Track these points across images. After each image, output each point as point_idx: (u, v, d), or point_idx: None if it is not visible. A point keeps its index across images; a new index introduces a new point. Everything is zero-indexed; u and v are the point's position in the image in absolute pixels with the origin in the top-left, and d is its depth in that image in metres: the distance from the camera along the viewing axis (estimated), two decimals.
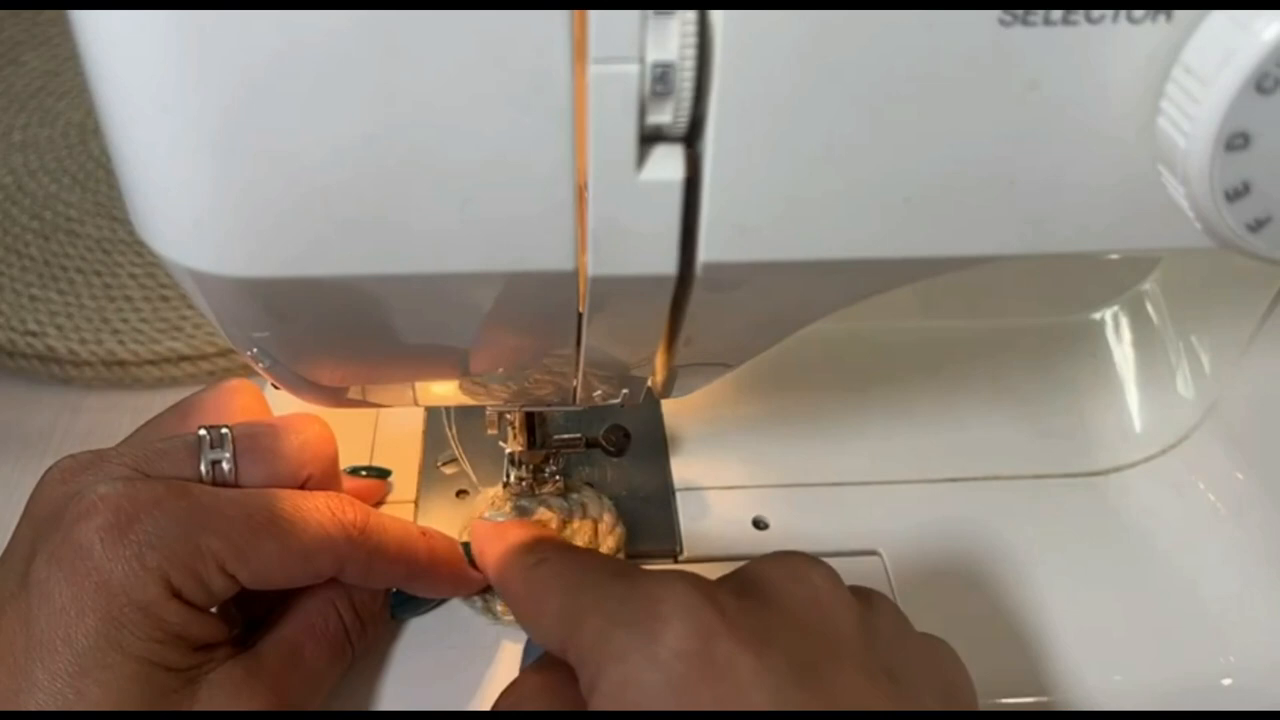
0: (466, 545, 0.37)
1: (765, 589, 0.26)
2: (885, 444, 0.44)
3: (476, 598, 0.37)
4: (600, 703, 0.24)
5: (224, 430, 0.31)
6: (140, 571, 0.28)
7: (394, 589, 0.36)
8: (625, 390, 0.30)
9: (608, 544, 0.39)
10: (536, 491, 0.40)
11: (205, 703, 0.29)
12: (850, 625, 0.26)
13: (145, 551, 0.28)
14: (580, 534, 0.39)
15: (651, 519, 0.41)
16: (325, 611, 0.33)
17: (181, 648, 0.29)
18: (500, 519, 0.36)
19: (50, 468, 0.31)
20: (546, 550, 0.30)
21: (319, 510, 0.31)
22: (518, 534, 0.33)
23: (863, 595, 0.28)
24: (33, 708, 0.27)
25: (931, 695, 0.27)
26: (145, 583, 0.28)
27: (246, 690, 0.30)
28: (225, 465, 0.31)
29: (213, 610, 0.30)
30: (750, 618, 0.25)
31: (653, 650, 0.24)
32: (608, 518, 0.39)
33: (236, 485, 0.31)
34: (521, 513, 0.40)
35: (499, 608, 0.37)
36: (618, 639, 0.25)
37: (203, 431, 0.31)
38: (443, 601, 0.38)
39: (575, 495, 0.40)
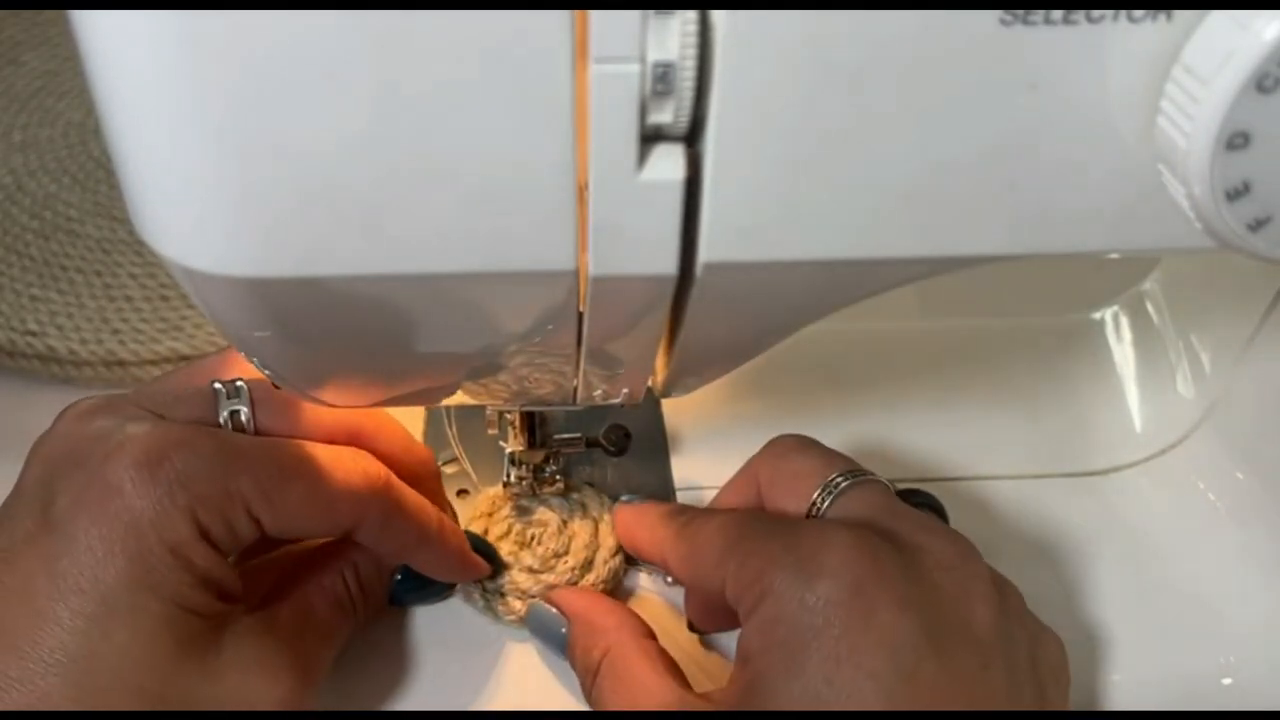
0: (470, 534, 0.37)
1: (920, 563, 0.29)
2: (885, 443, 0.44)
3: (478, 597, 0.38)
4: (750, 630, 0.29)
5: (239, 383, 0.31)
6: (171, 510, 0.27)
7: (398, 574, 0.36)
8: (625, 390, 0.30)
9: (608, 544, 0.39)
10: (537, 491, 0.40)
11: (230, 650, 0.29)
12: (985, 619, 0.29)
13: (175, 490, 0.27)
14: (580, 534, 0.39)
15: None
16: (334, 578, 0.34)
17: (208, 593, 0.29)
18: (637, 500, 0.38)
19: (65, 409, 0.31)
20: (694, 512, 0.34)
21: (344, 461, 0.31)
22: (662, 506, 0.36)
23: (1002, 589, 0.31)
24: (54, 646, 0.26)
25: (1032, 691, 0.30)
26: (176, 522, 0.27)
27: (269, 641, 0.30)
28: (244, 416, 0.31)
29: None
30: (900, 584, 0.28)
31: (806, 595, 0.28)
32: (608, 517, 0.39)
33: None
34: (521, 512, 0.40)
35: (500, 607, 0.37)
36: (777, 579, 0.28)
37: (218, 384, 0.31)
38: (445, 594, 0.38)
39: (575, 495, 0.40)
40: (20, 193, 0.53)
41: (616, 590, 0.39)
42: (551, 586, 0.37)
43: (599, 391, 0.30)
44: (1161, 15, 0.18)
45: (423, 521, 0.34)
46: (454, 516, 0.38)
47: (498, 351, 0.26)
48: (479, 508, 0.40)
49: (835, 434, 0.44)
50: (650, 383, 0.30)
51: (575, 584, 0.38)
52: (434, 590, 0.37)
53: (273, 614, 0.31)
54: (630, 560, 0.39)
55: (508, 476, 0.40)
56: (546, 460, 0.39)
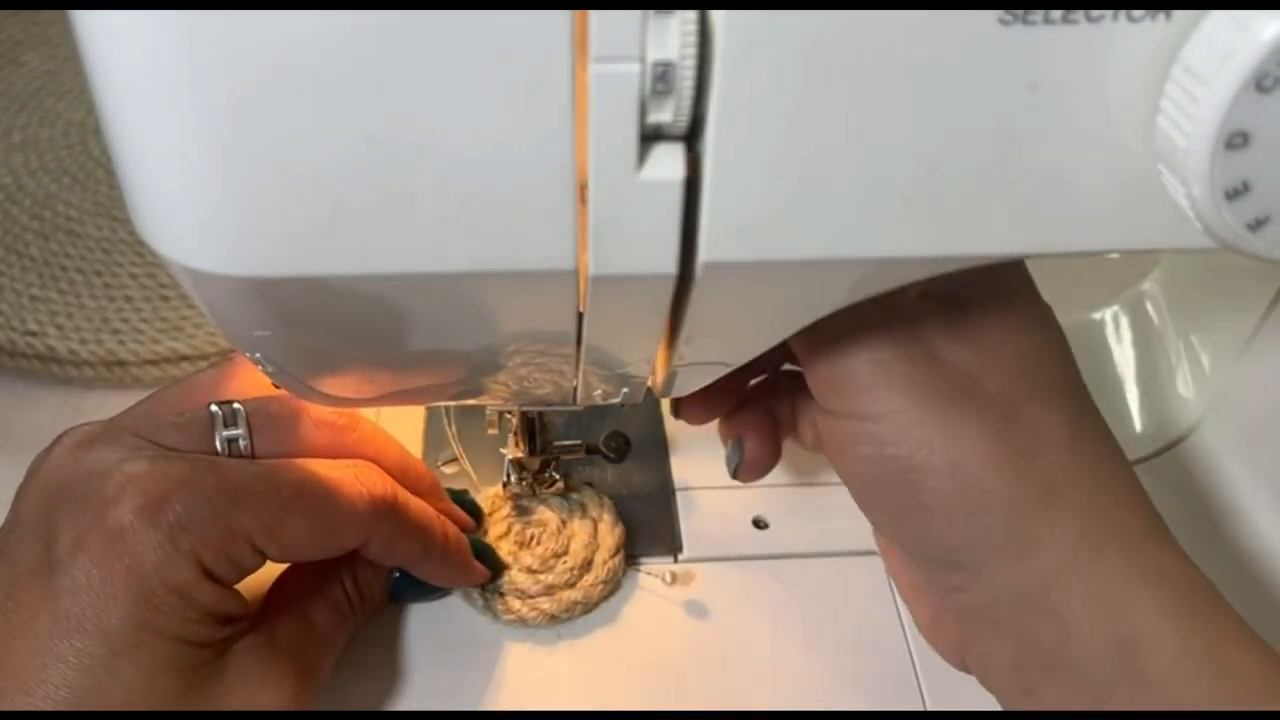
0: (471, 538, 0.37)
1: None
2: None
3: (477, 596, 0.38)
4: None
5: (236, 406, 0.31)
6: (174, 555, 0.27)
7: (397, 573, 0.36)
8: (625, 389, 0.30)
9: (607, 544, 0.39)
10: (536, 491, 0.40)
11: (234, 672, 0.29)
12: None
13: (177, 534, 0.27)
14: (580, 534, 0.39)
15: (651, 519, 0.41)
16: (332, 583, 0.34)
17: (211, 624, 0.29)
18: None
19: (59, 437, 0.30)
20: None
21: (347, 483, 0.31)
22: None
23: None
24: (59, 684, 0.26)
25: None
26: (179, 566, 0.27)
27: (271, 656, 0.30)
28: (242, 443, 0.31)
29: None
30: None
31: None
32: (607, 518, 0.39)
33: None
34: (521, 513, 0.40)
35: (498, 607, 0.37)
36: None
37: (214, 408, 0.31)
38: (444, 593, 0.38)
39: (575, 495, 0.40)
40: (20, 193, 0.54)
41: (615, 591, 0.39)
42: (550, 586, 0.37)
43: (599, 391, 0.30)
44: (1161, 15, 0.18)
45: (428, 536, 0.34)
46: (465, 521, 0.38)
47: (497, 351, 0.26)
48: (480, 505, 0.40)
49: None
50: (650, 383, 0.30)
51: (574, 584, 0.38)
52: (432, 589, 0.37)
53: (273, 628, 0.32)
54: (630, 560, 0.39)
55: (507, 478, 0.40)
56: (545, 466, 0.39)
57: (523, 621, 0.37)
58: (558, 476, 0.40)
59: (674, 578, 0.39)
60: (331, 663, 0.33)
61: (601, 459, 0.40)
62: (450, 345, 0.25)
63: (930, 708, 0.36)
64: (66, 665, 0.27)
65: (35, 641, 0.27)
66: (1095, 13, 0.18)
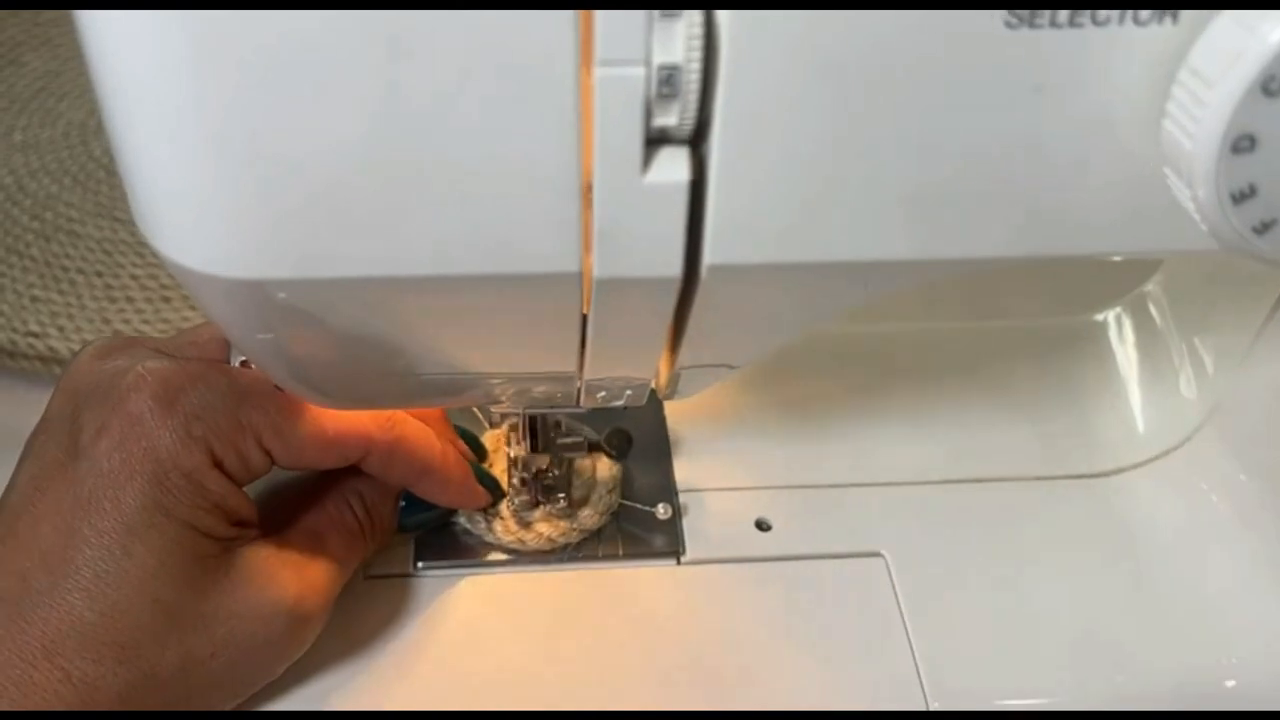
0: (474, 465, 0.38)
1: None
2: (888, 445, 0.44)
3: (480, 519, 0.39)
4: None
5: None
6: (187, 440, 0.29)
7: (403, 501, 0.37)
8: (629, 391, 0.30)
9: (604, 479, 0.40)
10: (541, 502, 0.40)
11: (240, 570, 0.31)
12: None
13: (191, 421, 0.29)
14: (581, 472, 0.40)
15: (653, 520, 0.41)
16: (341, 505, 0.35)
17: (221, 518, 0.30)
18: None
19: (83, 347, 0.33)
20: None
21: None
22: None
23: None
24: (80, 563, 0.28)
25: None
26: (191, 450, 0.29)
27: (277, 563, 0.32)
28: (254, 365, 0.32)
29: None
30: None
31: None
32: (605, 459, 0.41)
33: None
34: (523, 508, 0.40)
35: (499, 528, 0.39)
36: None
37: None
38: (447, 517, 0.39)
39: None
40: (21, 194, 0.53)
41: (610, 522, 0.40)
42: (549, 513, 0.39)
43: (603, 393, 0.30)
44: (1167, 17, 0.18)
45: (427, 453, 0.35)
46: (468, 453, 0.39)
47: (501, 354, 0.26)
48: (487, 444, 0.41)
49: (837, 435, 0.44)
50: (654, 385, 0.30)
51: (572, 515, 0.39)
52: (437, 514, 0.39)
53: (284, 539, 0.33)
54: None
55: (511, 481, 0.40)
56: (550, 466, 0.39)
57: (521, 542, 0.38)
58: (561, 495, 0.40)
59: (669, 511, 0.40)
60: (339, 585, 0.35)
61: (604, 456, 0.41)
62: (453, 348, 0.25)
63: (933, 708, 0.36)
64: (88, 546, 0.28)
65: (60, 523, 0.29)
66: (1101, 15, 0.18)
